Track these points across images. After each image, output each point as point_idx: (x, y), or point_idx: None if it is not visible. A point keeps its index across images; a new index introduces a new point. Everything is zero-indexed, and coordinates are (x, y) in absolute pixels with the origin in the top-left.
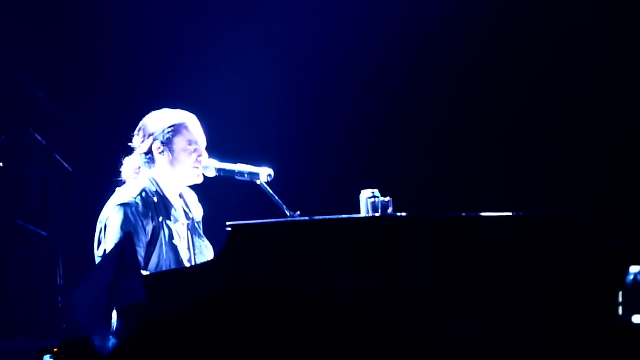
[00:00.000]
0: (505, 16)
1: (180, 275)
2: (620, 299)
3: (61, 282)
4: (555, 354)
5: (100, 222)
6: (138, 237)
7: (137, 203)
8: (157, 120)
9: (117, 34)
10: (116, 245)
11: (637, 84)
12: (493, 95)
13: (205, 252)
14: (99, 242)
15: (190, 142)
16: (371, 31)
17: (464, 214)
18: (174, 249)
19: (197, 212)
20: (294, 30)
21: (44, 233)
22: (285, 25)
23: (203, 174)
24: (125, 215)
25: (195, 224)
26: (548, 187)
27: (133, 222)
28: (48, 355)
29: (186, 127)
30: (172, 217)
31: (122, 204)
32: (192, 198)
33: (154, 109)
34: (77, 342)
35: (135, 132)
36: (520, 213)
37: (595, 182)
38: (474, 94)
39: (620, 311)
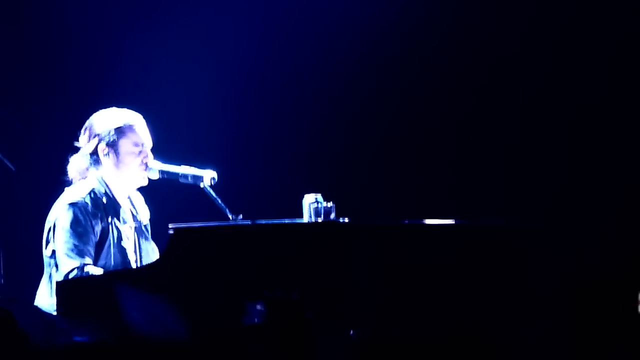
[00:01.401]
0: (473, 18)
1: (124, 278)
2: None
3: (1, 281)
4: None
5: (49, 222)
6: (88, 237)
7: (86, 203)
8: (103, 121)
9: (62, 31)
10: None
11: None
12: (441, 101)
13: (152, 255)
14: (47, 242)
15: (136, 145)
16: (313, 30)
17: (407, 222)
18: (122, 250)
19: (144, 214)
20: (238, 30)
21: None
22: (230, 25)
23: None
24: (75, 215)
25: (143, 227)
26: (500, 197)
27: (82, 221)
28: None
29: (132, 129)
30: (121, 219)
31: (71, 204)
32: (139, 200)
33: (99, 108)
34: None
35: (82, 131)
36: (465, 222)
37: (551, 194)
38: (420, 99)
39: None
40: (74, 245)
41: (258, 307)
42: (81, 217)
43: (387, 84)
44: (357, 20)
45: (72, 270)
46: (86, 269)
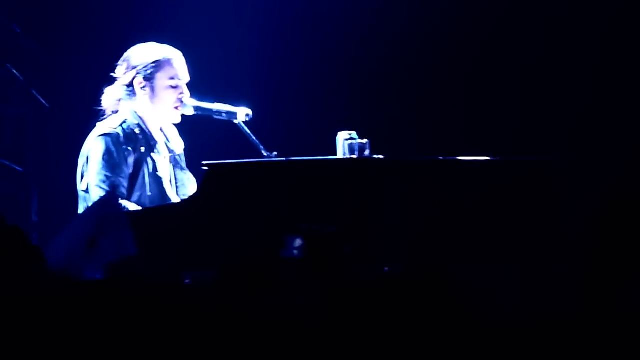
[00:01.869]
0: None
1: (157, 214)
2: None
3: (36, 218)
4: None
5: (82, 155)
6: (121, 169)
7: (118, 134)
8: (142, 53)
9: None
10: (99, 203)
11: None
12: (471, 45)
13: (188, 184)
14: (82, 176)
15: (172, 79)
16: None
17: (441, 157)
18: (157, 180)
19: (178, 145)
20: None
21: (19, 169)
22: None
23: (182, 114)
24: (107, 146)
25: (177, 157)
26: (526, 133)
27: (115, 153)
28: None
29: (170, 64)
30: (155, 150)
31: (103, 135)
32: (173, 132)
33: (132, 44)
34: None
35: (120, 62)
36: (498, 158)
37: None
38: (454, 45)
39: None
40: (106, 176)
41: (297, 240)
42: (113, 149)
43: (423, 31)
44: None
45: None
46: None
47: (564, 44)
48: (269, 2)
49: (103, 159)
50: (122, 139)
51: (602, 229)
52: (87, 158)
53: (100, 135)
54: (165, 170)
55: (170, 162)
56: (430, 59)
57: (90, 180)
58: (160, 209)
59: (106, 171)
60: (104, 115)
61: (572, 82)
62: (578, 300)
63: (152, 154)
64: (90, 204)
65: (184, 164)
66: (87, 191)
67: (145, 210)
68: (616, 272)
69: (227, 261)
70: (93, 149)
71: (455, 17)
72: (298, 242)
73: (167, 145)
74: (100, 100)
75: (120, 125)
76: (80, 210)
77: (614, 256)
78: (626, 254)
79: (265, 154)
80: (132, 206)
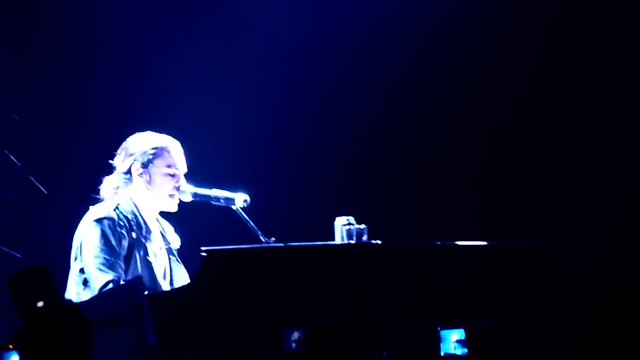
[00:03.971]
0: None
1: (156, 300)
2: None
3: None
4: None
5: (76, 239)
6: (117, 252)
7: (112, 218)
8: (140, 141)
9: (95, 57)
10: (119, 288)
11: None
12: (468, 126)
13: (183, 279)
14: (76, 259)
15: (169, 166)
16: (341, 53)
17: (439, 243)
18: (148, 266)
19: (175, 241)
20: (270, 55)
21: (18, 255)
22: (261, 51)
23: (179, 199)
24: (103, 230)
25: (174, 250)
26: (525, 218)
27: (110, 236)
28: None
29: (168, 151)
30: (146, 236)
31: (97, 220)
32: (169, 227)
33: (130, 133)
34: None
35: (118, 151)
36: (495, 243)
37: (571, 213)
38: (450, 124)
39: None
40: (105, 259)
41: (296, 333)
42: (109, 232)
43: (418, 107)
44: (399, 44)
45: (107, 284)
46: (122, 282)
47: (564, 128)
48: (264, 90)
49: (100, 242)
50: (116, 222)
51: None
52: (81, 242)
53: (96, 220)
54: (159, 260)
55: (168, 253)
56: (425, 145)
57: (88, 264)
58: (162, 294)
59: (104, 254)
60: (102, 200)
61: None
62: None
63: (143, 240)
64: (91, 286)
65: (179, 259)
66: (81, 272)
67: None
68: None
69: (222, 348)
70: (88, 233)
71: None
72: (297, 335)
73: (163, 235)
74: (98, 189)
75: (114, 209)
76: (71, 292)
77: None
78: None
79: (263, 239)
80: None
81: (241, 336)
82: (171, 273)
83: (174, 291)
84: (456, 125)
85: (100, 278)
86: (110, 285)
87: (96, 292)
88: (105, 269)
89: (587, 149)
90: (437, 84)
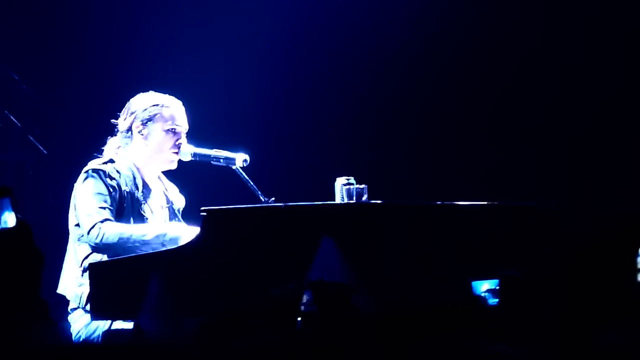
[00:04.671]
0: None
1: (151, 261)
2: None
3: None
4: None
5: (73, 196)
6: (106, 200)
7: (104, 170)
8: (142, 100)
9: (95, 16)
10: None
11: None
12: (472, 86)
13: None
14: (70, 215)
15: (171, 125)
16: (346, 23)
17: (439, 203)
18: (142, 220)
19: (178, 200)
20: (274, 21)
21: (18, 215)
22: (265, 12)
23: (179, 159)
24: (92, 179)
25: (176, 210)
26: (526, 179)
27: (100, 186)
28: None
29: (169, 110)
30: (144, 192)
31: (87, 171)
32: (173, 188)
33: (130, 92)
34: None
35: (121, 112)
36: (495, 203)
37: (570, 175)
38: (453, 84)
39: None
40: (93, 206)
41: (305, 293)
42: (99, 182)
43: (422, 70)
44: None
45: (93, 226)
46: (106, 223)
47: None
48: (264, 49)
49: (89, 191)
50: (107, 174)
51: (572, 279)
52: (74, 195)
53: (85, 171)
54: (157, 216)
55: (169, 212)
56: (428, 104)
57: (79, 213)
58: (160, 253)
59: (93, 202)
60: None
61: (570, 124)
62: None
63: (138, 196)
64: (82, 233)
65: (181, 219)
66: (77, 225)
67: (140, 256)
68: (589, 320)
69: (222, 307)
70: (79, 185)
71: (454, 59)
72: (307, 296)
73: (165, 195)
74: (101, 149)
75: (107, 162)
76: (70, 246)
77: (586, 305)
78: (598, 302)
79: (263, 199)
80: (117, 226)
81: (240, 296)
82: None
83: (173, 251)
84: (457, 85)
85: (88, 223)
86: (97, 227)
87: (86, 237)
88: (93, 214)
89: (594, 109)
90: (441, 42)
